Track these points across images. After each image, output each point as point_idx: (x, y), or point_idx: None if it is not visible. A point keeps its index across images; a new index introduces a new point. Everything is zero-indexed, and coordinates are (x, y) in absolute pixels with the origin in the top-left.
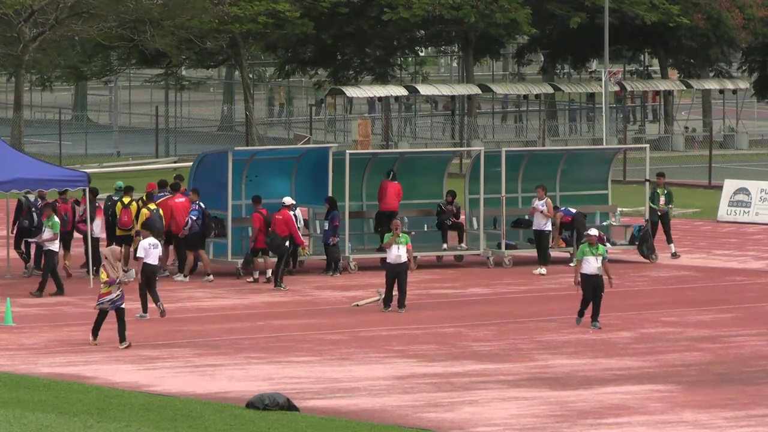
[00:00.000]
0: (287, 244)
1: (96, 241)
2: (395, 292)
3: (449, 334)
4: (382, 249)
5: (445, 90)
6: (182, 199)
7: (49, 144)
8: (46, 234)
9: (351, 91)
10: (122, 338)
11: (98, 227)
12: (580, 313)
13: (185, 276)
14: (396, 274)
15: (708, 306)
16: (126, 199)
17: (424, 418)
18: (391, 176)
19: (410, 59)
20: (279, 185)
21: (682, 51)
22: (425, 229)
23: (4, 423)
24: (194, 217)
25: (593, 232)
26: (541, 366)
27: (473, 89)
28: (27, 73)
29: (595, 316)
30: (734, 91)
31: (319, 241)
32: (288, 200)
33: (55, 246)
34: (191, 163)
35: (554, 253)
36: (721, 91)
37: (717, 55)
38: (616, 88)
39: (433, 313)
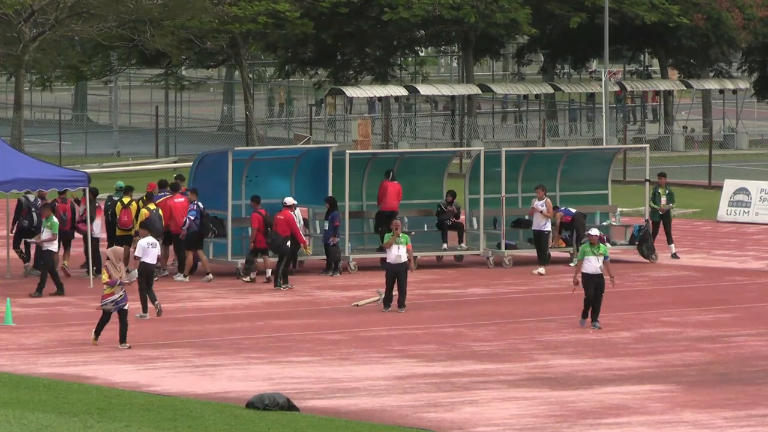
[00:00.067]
0: (288, 244)
1: (96, 241)
2: (395, 292)
3: (449, 334)
4: (382, 249)
5: (445, 90)
6: (182, 199)
7: (49, 144)
8: (45, 234)
9: (351, 91)
10: (123, 339)
11: (98, 227)
12: (584, 314)
13: (185, 276)
14: (396, 274)
15: (708, 306)
16: (126, 199)
17: (424, 418)
18: (390, 176)
19: (410, 59)
20: (279, 185)
21: (682, 51)
22: (425, 229)
23: (4, 423)
24: (192, 217)
25: (594, 232)
26: (541, 366)
27: (473, 89)
28: (27, 73)
29: (595, 316)
30: (734, 91)
31: (319, 241)
32: (289, 200)
33: (54, 246)
34: (191, 163)
35: (554, 253)
36: (721, 91)
37: (717, 55)
38: (616, 88)
39: (433, 313)
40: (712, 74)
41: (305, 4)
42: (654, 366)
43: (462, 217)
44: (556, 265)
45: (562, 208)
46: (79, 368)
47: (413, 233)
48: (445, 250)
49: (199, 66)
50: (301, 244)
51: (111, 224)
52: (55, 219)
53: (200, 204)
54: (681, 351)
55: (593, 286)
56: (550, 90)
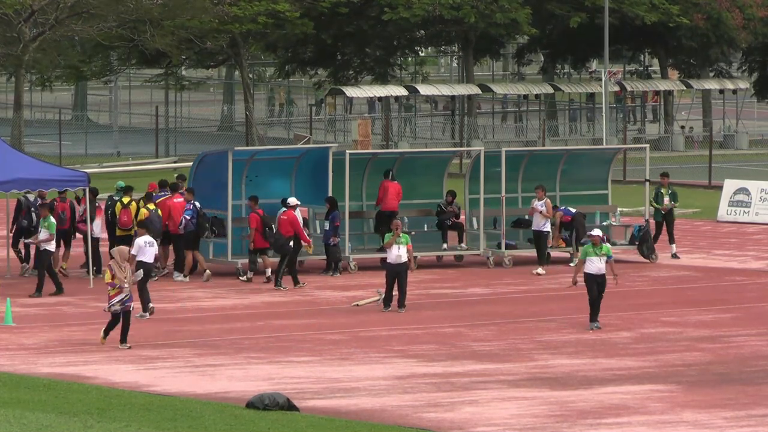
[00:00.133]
0: (291, 244)
1: (96, 241)
2: (395, 292)
3: (449, 334)
4: (382, 249)
5: (445, 90)
6: (181, 199)
7: (49, 144)
8: (42, 234)
9: (351, 91)
10: (124, 339)
11: (98, 227)
12: (592, 315)
13: (185, 276)
14: (396, 274)
15: (708, 306)
16: (125, 199)
17: (424, 418)
18: (390, 176)
19: (410, 59)
20: (279, 185)
21: (682, 51)
22: (425, 229)
23: (4, 423)
24: (188, 217)
25: (596, 232)
26: (541, 366)
27: (473, 89)
28: (27, 73)
29: (594, 317)
30: (734, 91)
31: (320, 241)
32: (293, 201)
33: (51, 246)
34: (191, 163)
35: (554, 253)
36: (721, 91)
37: (717, 55)
38: (616, 88)
39: (433, 313)
40: (712, 74)
41: (305, 4)
42: (654, 366)
43: (462, 217)
44: (556, 265)
45: (562, 208)
46: (79, 368)
47: (413, 233)
48: (445, 250)
49: (199, 66)
50: (305, 244)
51: (111, 224)
52: (52, 219)
53: (197, 204)
54: (681, 351)
55: (596, 286)
56: (550, 90)
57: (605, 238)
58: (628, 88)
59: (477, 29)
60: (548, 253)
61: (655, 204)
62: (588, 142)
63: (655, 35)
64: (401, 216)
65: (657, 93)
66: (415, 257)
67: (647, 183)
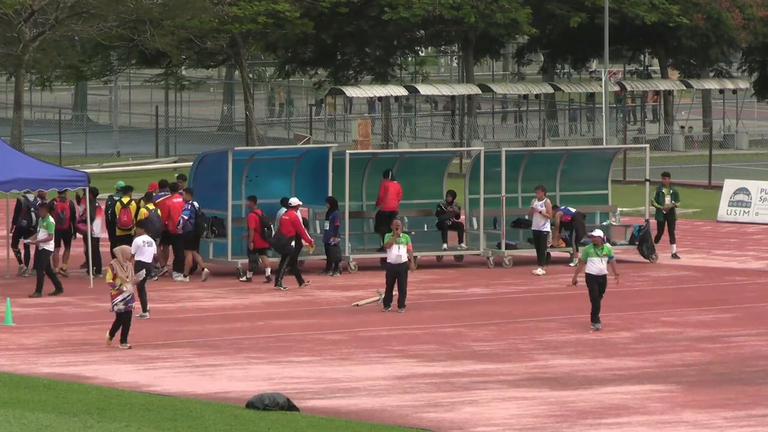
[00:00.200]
0: (293, 244)
1: (96, 241)
2: (395, 292)
3: (449, 334)
4: (382, 249)
5: (445, 90)
6: (180, 199)
7: (49, 144)
8: (41, 234)
9: (351, 91)
10: (124, 339)
11: (98, 227)
12: (595, 319)
13: (185, 276)
14: (396, 274)
15: (708, 306)
16: (125, 199)
17: (424, 418)
18: (390, 176)
19: (410, 59)
20: (279, 185)
21: (682, 51)
22: (425, 229)
23: (4, 423)
24: (186, 217)
25: (598, 233)
26: (541, 366)
27: (473, 89)
28: (27, 73)
29: (595, 317)
30: (734, 91)
31: (319, 241)
32: (295, 201)
33: (50, 246)
34: (191, 163)
35: (554, 253)
36: (721, 91)
37: (717, 55)
38: (616, 88)
39: (433, 313)
40: (712, 74)
41: (305, 4)
42: (654, 366)
43: (462, 217)
44: (556, 265)
45: (562, 208)
46: (79, 368)
47: (413, 233)
48: (445, 250)
49: (199, 66)
50: (308, 244)
51: (111, 224)
52: (51, 219)
53: (195, 203)
54: (681, 351)
55: (597, 287)
56: (550, 90)
57: (605, 238)
58: (628, 88)
59: (477, 29)
60: (548, 253)
61: (656, 204)
62: (588, 142)
63: (655, 35)
64: (401, 216)
65: (657, 93)
66: (415, 257)
67: (647, 183)
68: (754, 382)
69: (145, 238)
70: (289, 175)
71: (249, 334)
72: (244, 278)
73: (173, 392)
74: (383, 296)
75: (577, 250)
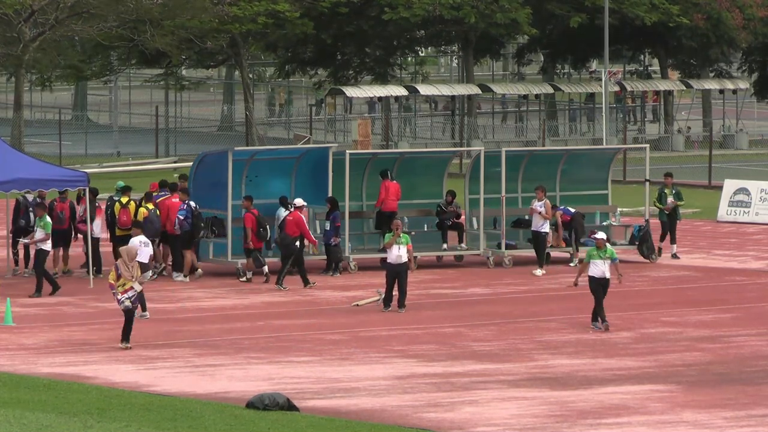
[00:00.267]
0: (297, 244)
1: (96, 241)
2: (395, 292)
3: (449, 334)
4: (383, 249)
5: (445, 90)
6: (178, 199)
7: (49, 144)
8: (38, 234)
9: (351, 91)
10: (124, 338)
11: (98, 227)
12: (601, 318)
13: (185, 276)
14: (396, 274)
15: (708, 306)
16: (124, 199)
17: (424, 418)
18: (390, 176)
19: (410, 59)
20: (279, 185)
21: (682, 51)
22: (425, 229)
23: (4, 423)
24: (181, 217)
25: (601, 235)
26: (541, 366)
27: (473, 89)
28: (27, 73)
29: (595, 318)
30: (734, 91)
31: (320, 241)
32: (299, 201)
33: (47, 246)
34: (191, 163)
35: (554, 253)
36: (721, 91)
37: (717, 55)
38: (616, 88)
39: (433, 313)
40: (712, 74)
41: (305, 4)
42: (654, 366)
43: (462, 217)
44: (556, 265)
45: (561, 208)
46: (79, 368)
47: (413, 233)
48: (445, 250)
49: (199, 66)
50: (311, 244)
51: (112, 224)
52: (48, 219)
53: (192, 203)
54: (681, 351)
55: (601, 289)
56: (550, 90)
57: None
58: (628, 88)
59: (477, 29)
60: (548, 253)
61: (658, 204)
62: (588, 142)
63: (655, 35)
64: (401, 216)
65: (657, 93)
66: (415, 257)
67: (647, 183)
68: (754, 382)
69: (142, 238)
70: (289, 176)
71: (249, 334)
72: (244, 278)
73: (173, 392)
74: (383, 296)
75: (577, 250)
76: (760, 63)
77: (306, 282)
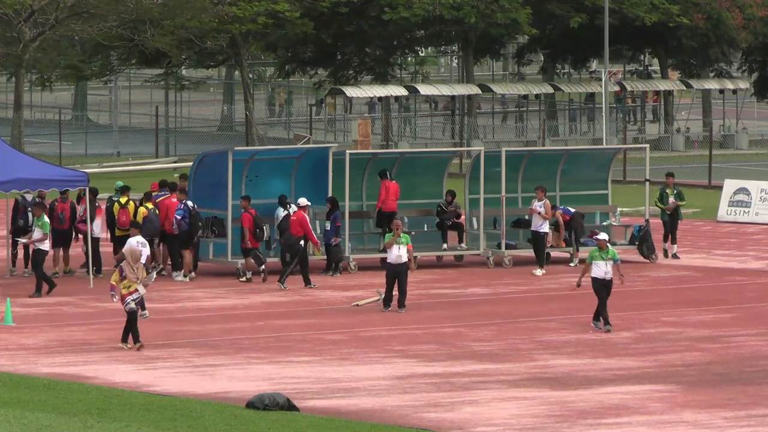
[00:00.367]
0: (301, 243)
1: (96, 241)
2: (395, 292)
3: (449, 334)
4: (383, 249)
5: (445, 90)
6: (176, 199)
7: (49, 144)
8: (36, 234)
9: (351, 91)
10: (125, 338)
11: (98, 227)
12: (604, 320)
13: (185, 276)
14: (396, 274)
15: (708, 306)
16: (123, 199)
17: (424, 418)
18: (389, 177)
19: (410, 59)
20: (279, 185)
21: (682, 51)
22: (425, 229)
23: (4, 423)
24: (179, 216)
25: (603, 236)
26: (541, 366)
27: (473, 89)
28: (27, 73)
29: (597, 317)
30: (734, 91)
31: (320, 241)
32: (303, 201)
33: (45, 246)
34: (191, 163)
35: (554, 253)
36: (721, 91)
37: (717, 55)
38: (616, 88)
39: (433, 313)
40: (712, 74)
41: (305, 4)
42: (654, 366)
43: (462, 217)
44: (556, 265)
45: (561, 207)
46: (79, 368)
47: (413, 233)
48: (445, 250)
49: (199, 66)
50: (314, 245)
51: (111, 224)
52: (46, 218)
53: (189, 203)
54: (681, 351)
55: (603, 290)
56: (550, 90)
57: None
58: (628, 88)
59: (477, 29)
60: (548, 253)
61: (659, 205)
62: (588, 142)
63: (655, 35)
64: (401, 216)
65: (657, 93)
66: (415, 257)
67: (647, 183)
68: (754, 382)
69: (139, 238)
70: (289, 176)
71: (249, 334)
72: (244, 278)
73: (173, 392)
74: (383, 296)
75: (578, 250)
76: (760, 63)
77: (307, 282)
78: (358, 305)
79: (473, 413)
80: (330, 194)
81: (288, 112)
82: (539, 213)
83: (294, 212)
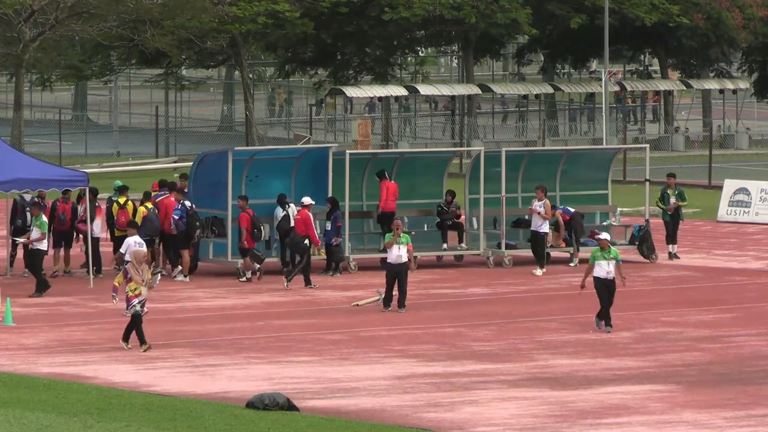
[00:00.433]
0: (306, 242)
1: (96, 241)
2: (395, 292)
3: (449, 334)
4: (383, 249)
5: (445, 90)
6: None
7: (49, 144)
8: (34, 233)
9: (351, 91)
10: (126, 338)
11: (98, 227)
12: (602, 316)
13: (185, 276)
14: (396, 274)
15: (708, 306)
16: (122, 199)
17: (424, 418)
18: (388, 177)
19: (410, 59)
20: (279, 185)
21: (682, 51)
22: (425, 229)
23: (4, 423)
24: (176, 216)
25: (604, 236)
26: (541, 366)
27: (473, 89)
28: (27, 73)
29: (607, 321)
30: (734, 91)
31: (321, 241)
32: (307, 200)
33: (43, 245)
34: (191, 163)
35: (554, 253)
36: (721, 91)
37: (717, 55)
38: (616, 88)
39: (433, 313)
40: (712, 74)
41: (305, 4)
42: (654, 366)
43: (462, 216)
44: (556, 265)
45: (561, 207)
46: (79, 368)
47: (413, 233)
48: (445, 250)
49: (199, 66)
50: (315, 245)
51: (111, 224)
52: (44, 218)
53: (187, 203)
54: (681, 351)
55: (605, 290)
56: (550, 90)
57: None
58: (628, 88)
59: (477, 29)
60: (548, 253)
61: (660, 205)
62: (588, 142)
63: (655, 35)
64: (401, 216)
65: (657, 93)
66: (415, 257)
67: (647, 183)
68: (754, 382)
69: (137, 238)
70: (289, 176)
71: (249, 334)
72: (243, 278)
73: (173, 392)
74: (383, 296)
75: (578, 250)
76: (760, 63)
77: (308, 282)
78: (358, 305)
79: (473, 413)
80: (330, 194)
81: (288, 112)
82: (539, 213)
83: (298, 211)
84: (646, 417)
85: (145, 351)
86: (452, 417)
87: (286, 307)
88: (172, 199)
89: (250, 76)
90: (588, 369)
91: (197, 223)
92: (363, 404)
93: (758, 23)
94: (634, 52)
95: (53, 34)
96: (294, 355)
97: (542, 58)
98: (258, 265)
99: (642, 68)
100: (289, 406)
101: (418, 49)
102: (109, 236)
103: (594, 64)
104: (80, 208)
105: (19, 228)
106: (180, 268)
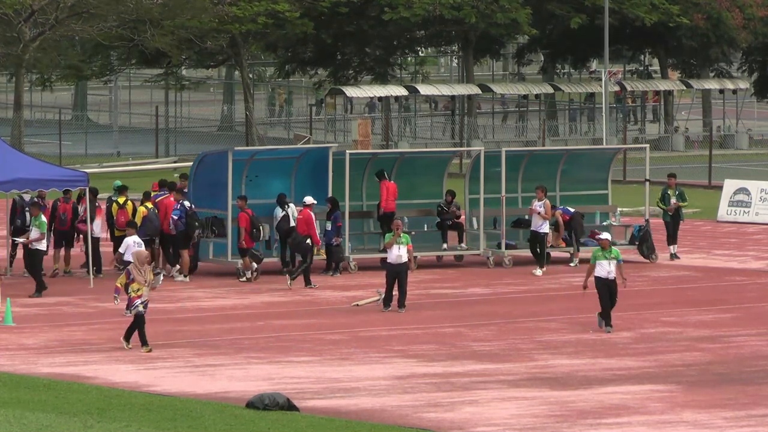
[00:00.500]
0: (308, 242)
1: (96, 240)
2: (395, 292)
3: (449, 334)
4: (383, 249)
5: (445, 90)
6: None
7: (49, 144)
8: (33, 233)
9: (351, 91)
10: (127, 337)
11: (98, 227)
12: (606, 322)
13: (185, 276)
14: (396, 274)
15: (708, 306)
16: (121, 199)
17: (424, 418)
18: (388, 177)
19: (410, 59)
20: (279, 185)
21: (682, 51)
22: (425, 229)
23: (4, 423)
24: (175, 216)
25: (605, 236)
26: (541, 366)
27: (473, 89)
28: (27, 73)
29: (607, 321)
30: (734, 91)
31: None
32: (309, 200)
33: (43, 245)
34: (191, 163)
35: (554, 253)
36: (721, 91)
37: (717, 55)
38: (616, 88)
39: (433, 313)
40: (712, 74)
41: (305, 4)
42: (654, 366)
43: (462, 216)
44: (556, 265)
45: (561, 207)
46: (79, 368)
47: (413, 233)
48: (445, 250)
49: (199, 66)
50: (316, 245)
51: (111, 224)
52: (43, 218)
53: (186, 203)
54: (681, 351)
55: (606, 289)
56: (550, 90)
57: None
58: (628, 88)
59: (477, 29)
60: (548, 253)
61: (661, 205)
62: (588, 142)
63: (655, 35)
64: (401, 216)
65: (657, 93)
66: (415, 257)
67: (647, 183)
68: (754, 382)
69: (135, 238)
70: (289, 176)
71: (249, 334)
72: (243, 278)
73: (173, 392)
74: (383, 296)
75: (578, 250)
76: (760, 63)
77: (308, 282)
78: (358, 305)
79: (473, 413)
80: (330, 194)
81: (288, 112)
82: (539, 213)
83: (300, 210)
84: (646, 417)
85: (147, 352)
86: (452, 417)
87: (286, 307)
88: (172, 199)
89: (250, 76)
90: (588, 369)
91: (196, 224)
92: (363, 404)
93: (758, 23)
94: (634, 52)
95: (53, 34)
96: (294, 355)
97: (542, 58)
98: (256, 265)
99: (642, 68)
100: (289, 406)
101: (418, 49)
102: (109, 236)
103: (594, 64)
104: (80, 208)
105: (18, 228)
106: (178, 267)
